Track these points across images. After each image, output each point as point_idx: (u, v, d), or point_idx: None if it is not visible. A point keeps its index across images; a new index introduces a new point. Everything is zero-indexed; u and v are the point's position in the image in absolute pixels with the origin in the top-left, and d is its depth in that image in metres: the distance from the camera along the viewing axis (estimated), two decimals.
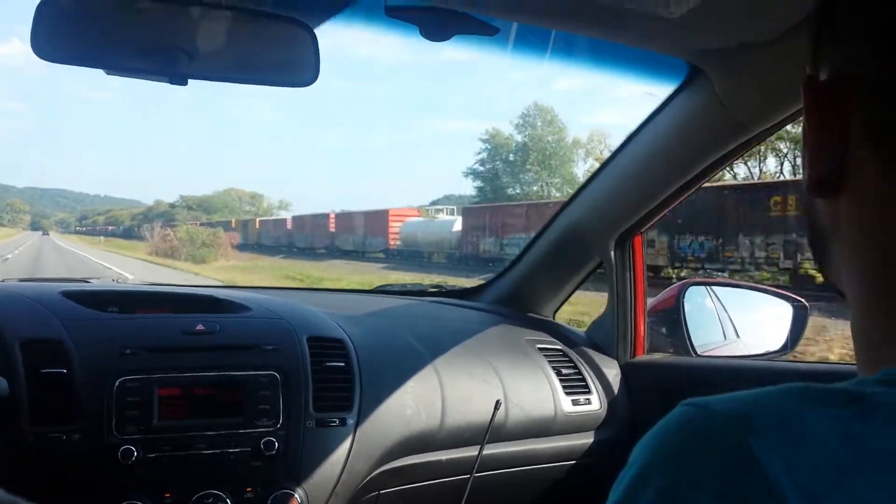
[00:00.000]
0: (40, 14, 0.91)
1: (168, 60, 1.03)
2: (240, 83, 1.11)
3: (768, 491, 0.44)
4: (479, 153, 55.44)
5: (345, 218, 46.39)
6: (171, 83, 1.03)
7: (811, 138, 0.56)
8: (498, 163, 55.17)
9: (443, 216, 38.76)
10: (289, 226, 56.00)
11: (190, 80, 1.05)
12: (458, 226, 32.35)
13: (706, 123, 1.60)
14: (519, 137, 52.34)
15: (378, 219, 40.98)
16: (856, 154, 0.54)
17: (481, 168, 55.46)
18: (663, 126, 1.70)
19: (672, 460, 0.49)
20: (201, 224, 66.71)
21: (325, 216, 49.98)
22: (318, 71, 1.09)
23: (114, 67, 1.00)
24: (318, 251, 46.77)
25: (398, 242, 38.10)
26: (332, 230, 47.20)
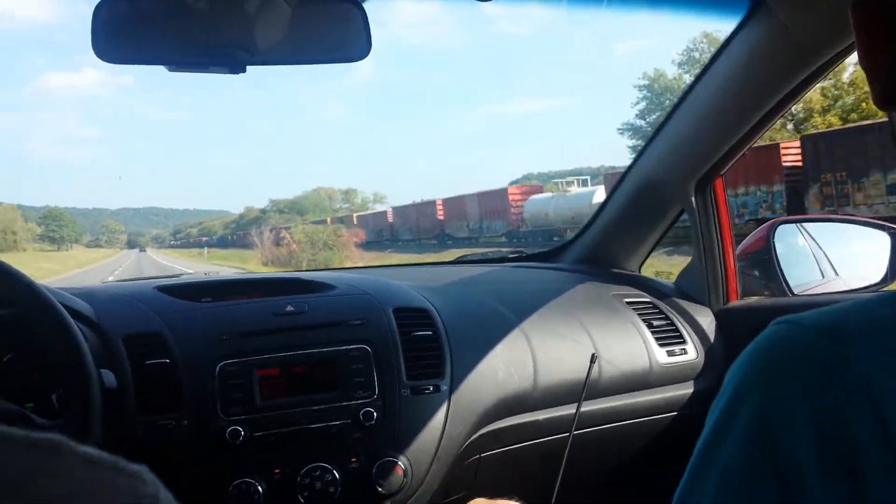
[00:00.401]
0: (98, 17, 0.95)
1: (224, 50, 1.06)
2: (296, 64, 1.13)
3: (869, 399, 0.44)
4: (636, 103, 43.25)
5: (454, 203, 44.06)
6: (231, 72, 1.06)
7: (865, 57, 0.55)
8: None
9: (575, 188, 35.91)
10: (390, 218, 54.10)
11: (249, 69, 1.08)
12: (599, 196, 28.48)
13: (774, 54, 1.54)
14: (688, 78, 37.71)
15: (495, 199, 38.63)
16: None
17: (642, 122, 42.46)
18: (731, 63, 1.65)
19: (765, 380, 0.49)
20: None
21: (431, 203, 47.65)
22: (371, 45, 1.11)
23: (173, 63, 1.04)
24: (426, 241, 45.27)
25: (523, 223, 36.08)
26: (441, 218, 45.35)
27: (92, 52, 0.94)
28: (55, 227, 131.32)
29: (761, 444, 0.47)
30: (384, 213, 59.70)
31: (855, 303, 0.50)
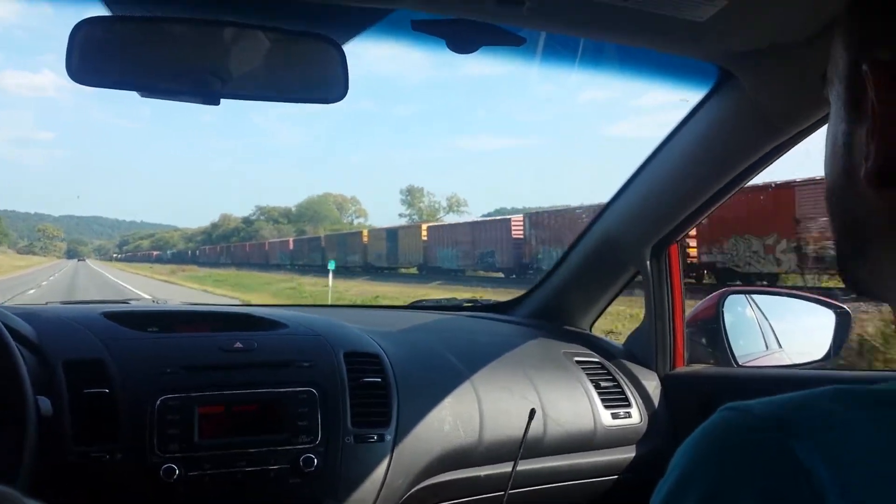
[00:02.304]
0: (73, 39, 0.92)
1: (200, 81, 1.05)
2: (271, 101, 1.12)
3: (812, 493, 0.44)
4: None
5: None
6: (205, 103, 1.04)
7: (880, 122, 0.52)
8: None
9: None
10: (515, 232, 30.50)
11: (222, 101, 1.06)
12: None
13: (740, 127, 1.58)
14: None
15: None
16: None
17: None
18: (696, 131, 1.68)
19: (713, 465, 0.49)
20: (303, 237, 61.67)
21: (573, 211, 32.05)
22: (347, 87, 1.10)
23: (147, 90, 1.02)
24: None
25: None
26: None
27: (63, 68, 0.92)
28: None
29: None
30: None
31: (803, 395, 0.51)
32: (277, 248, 62.08)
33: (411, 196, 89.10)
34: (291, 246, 58.47)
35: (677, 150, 1.75)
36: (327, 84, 1.09)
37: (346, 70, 1.10)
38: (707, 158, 1.69)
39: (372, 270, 40.00)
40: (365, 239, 43.91)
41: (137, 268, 73.17)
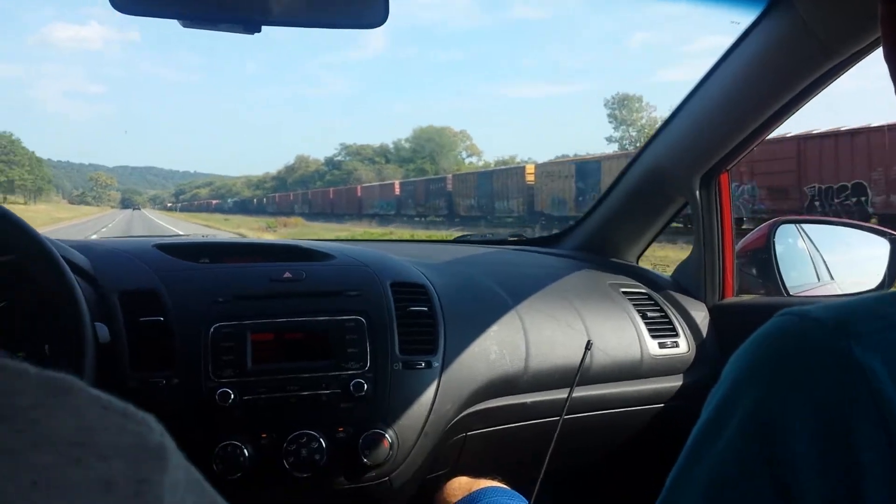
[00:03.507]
0: None
1: (240, 8, 1.05)
2: (311, 27, 1.11)
3: (872, 397, 0.43)
4: None
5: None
6: (245, 32, 1.04)
7: (892, 53, 0.54)
8: None
9: None
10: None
11: (264, 28, 1.06)
12: None
13: (792, 50, 1.52)
14: None
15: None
16: None
17: None
18: (747, 56, 1.63)
19: (767, 371, 0.48)
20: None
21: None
22: (388, 10, 1.09)
23: (187, 17, 1.02)
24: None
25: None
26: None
27: (103, 5, 0.92)
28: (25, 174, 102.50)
29: (759, 435, 0.46)
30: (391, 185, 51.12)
31: (861, 299, 0.50)
32: (377, 194, 51.14)
33: (624, 108, 62.87)
34: (398, 190, 48.00)
35: (728, 76, 1.70)
36: (367, 7, 1.08)
37: None
38: (759, 83, 1.64)
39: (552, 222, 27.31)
40: (530, 178, 31.50)
41: (206, 219, 61.06)
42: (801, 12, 1.44)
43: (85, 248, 1.46)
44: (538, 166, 32.65)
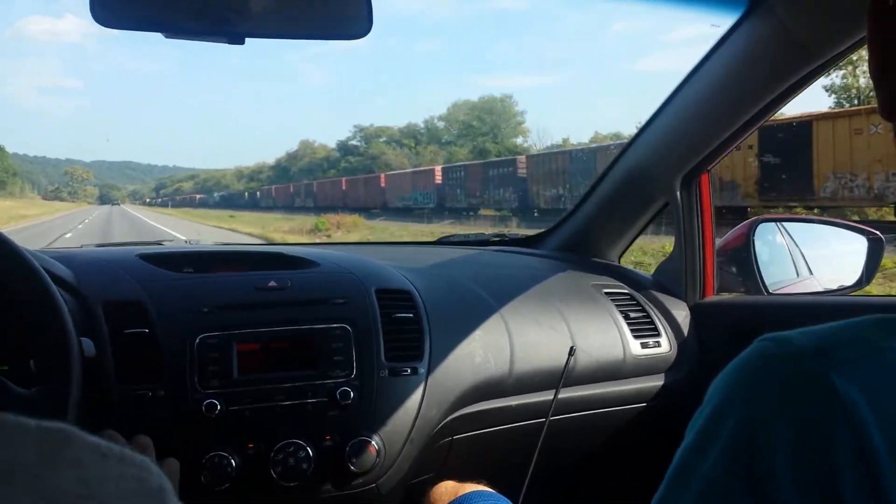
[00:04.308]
0: None
1: (223, 20, 1.04)
2: (295, 38, 1.11)
3: (851, 426, 0.44)
4: None
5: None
6: (229, 43, 1.04)
7: (878, 64, 0.54)
8: None
9: None
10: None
11: (247, 39, 1.06)
12: None
13: (772, 53, 1.54)
14: None
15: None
16: None
17: None
18: (727, 58, 1.65)
19: (751, 395, 0.49)
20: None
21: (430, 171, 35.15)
22: (372, 21, 1.09)
23: (171, 30, 1.02)
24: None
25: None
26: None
27: (87, 12, 0.92)
28: None
29: (742, 459, 0.47)
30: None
31: (842, 325, 0.50)
32: (408, 183, 41.05)
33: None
34: (439, 177, 37.95)
35: (707, 79, 1.72)
36: (351, 19, 1.08)
37: (370, 4, 1.09)
38: (738, 86, 1.66)
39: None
40: None
41: (203, 216, 50.65)
42: (780, 16, 1.45)
43: (67, 258, 1.45)
44: None
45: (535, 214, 28.20)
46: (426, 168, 44.27)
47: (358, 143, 75.35)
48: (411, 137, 70.10)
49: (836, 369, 0.46)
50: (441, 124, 69.35)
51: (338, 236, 25.50)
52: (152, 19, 1.01)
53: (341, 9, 1.10)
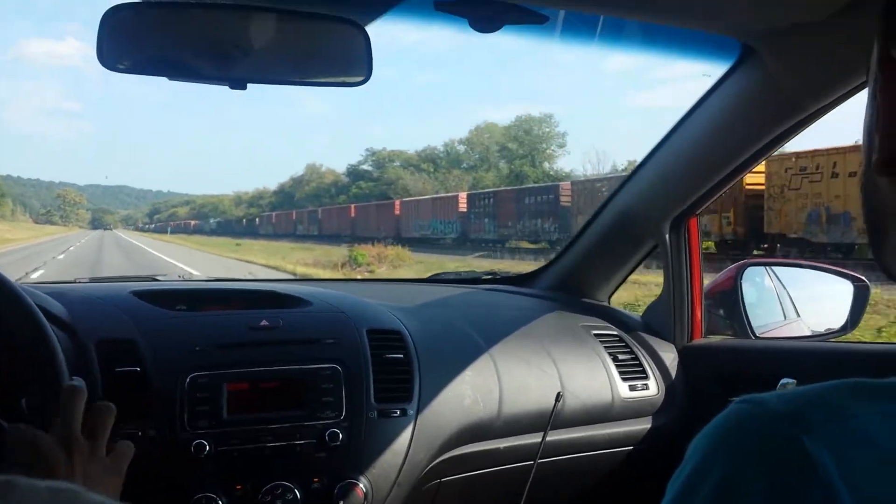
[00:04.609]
0: (104, 25, 0.94)
1: (227, 66, 1.06)
2: (296, 84, 1.13)
3: (821, 487, 0.45)
4: None
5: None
6: (232, 87, 1.06)
7: (886, 115, 0.54)
8: None
9: None
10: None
11: (248, 85, 1.08)
12: None
13: (760, 103, 1.58)
14: None
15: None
16: None
17: None
18: (716, 107, 1.68)
19: (728, 456, 0.51)
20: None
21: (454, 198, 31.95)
22: (371, 69, 1.11)
23: (176, 74, 1.04)
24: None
25: None
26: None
27: (80, 21, 0.94)
28: None
29: None
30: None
31: (818, 388, 0.52)
32: (428, 211, 37.02)
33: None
34: (463, 204, 33.97)
35: (698, 125, 1.75)
36: (351, 66, 1.11)
37: (370, 52, 1.11)
38: (727, 133, 1.69)
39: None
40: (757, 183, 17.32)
41: (217, 245, 45.52)
42: (769, 68, 1.49)
43: (59, 294, 1.45)
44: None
45: None
46: (448, 195, 40.23)
47: (370, 168, 69.97)
48: (430, 162, 64.17)
49: (808, 432, 0.48)
50: (462, 148, 64.23)
51: (382, 272, 21.95)
52: (158, 63, 1.03)
53: (343, 57, 1.12)
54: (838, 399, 0.51)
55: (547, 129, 57.69)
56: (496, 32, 1.33)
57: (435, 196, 41.89)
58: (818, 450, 0.47)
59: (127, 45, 1.00)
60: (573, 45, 1.58)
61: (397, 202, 42.61)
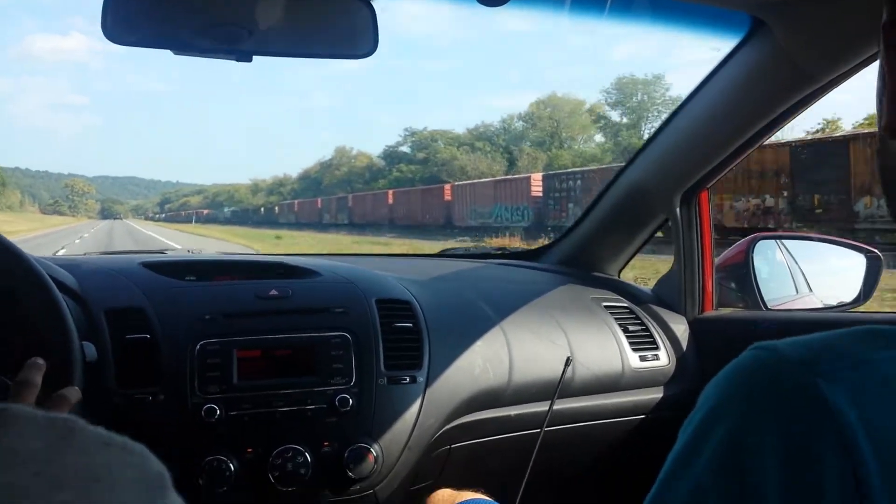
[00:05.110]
0: None
1: (232, 38, 1.07)
2: (302, 57, 1.14)
3: (837, 433, 0.45)
4: None
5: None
6: (237, 60, 1.07)
7: (893, 80, 0.55)
8: None
9: None
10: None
11: (254, 57, 1.09)
12: None
13: (771, 76, 1.57)
14: None
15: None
16: None
17: None
18: (727, 80, 1.68)
19: (740, 401, 0.50)
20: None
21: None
22: (377, 42, 1.12)
23: (181, 48, 1.05)
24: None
25: None
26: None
27: (85, 15, 0.95)
28: None
29: (731, 464, 0.48)
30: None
31: (833, 335, 0.51)
32: (489, 195, 32.14)
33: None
34: (538, 188, 29.09)
35: (709, 99, 1.75)
36: (357, 39, 1.11)
37: (376, 25, 1.12)
38: (738, 106, 1.69)
39: None
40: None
41: (259, 238, 35.63)
42: (779, 40, 1.48)
43: (71, 265, 1.48)
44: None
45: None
46: (517, 176, 34.77)
47: (407, 150, 62.79)
48: (485, 140, 55.79)
49: (823, 377, 0.47)
50: (519, 125, 56.98)
51: None
52: (162, 36, 1.04)
53: (348, 30, 1.13)
54: (854, 345, 0.50)
55: (656, 94, 49.80)
56: (503, 7, 1.33)
57: (498, 178, 36.80)
58: (834, 394, 0.46)
59: (131, 17, 1.01)
60: (582, 19, 1.57)
61: (447, 186, 38.46)
